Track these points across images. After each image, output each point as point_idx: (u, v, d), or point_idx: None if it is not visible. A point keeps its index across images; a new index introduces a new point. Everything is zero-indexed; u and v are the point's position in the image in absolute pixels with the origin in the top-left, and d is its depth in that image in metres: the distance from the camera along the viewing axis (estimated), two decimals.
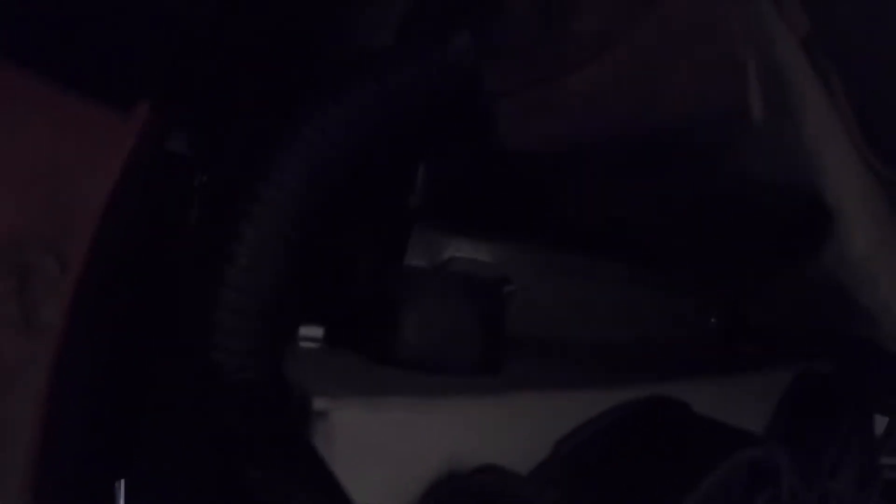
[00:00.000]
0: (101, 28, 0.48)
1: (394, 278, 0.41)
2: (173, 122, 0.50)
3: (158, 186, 0.49)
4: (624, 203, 0.32)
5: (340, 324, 0.43)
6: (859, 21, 0.36)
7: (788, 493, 0.40)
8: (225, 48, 0.53)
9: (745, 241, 0.30)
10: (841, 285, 0.29)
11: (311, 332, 0.41)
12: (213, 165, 0.54)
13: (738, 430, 0.41)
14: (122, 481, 0.53)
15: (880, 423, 0.68)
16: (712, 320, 0.65)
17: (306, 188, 0.38)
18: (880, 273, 0.31)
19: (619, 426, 0.40)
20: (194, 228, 0.52)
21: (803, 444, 0.52)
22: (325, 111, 0.40)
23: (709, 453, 0.38)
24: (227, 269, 0.35)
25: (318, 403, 0.31)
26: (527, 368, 0.44)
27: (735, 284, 0.40)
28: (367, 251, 0.48)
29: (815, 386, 0.59)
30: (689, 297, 0.63)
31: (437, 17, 0.42)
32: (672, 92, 0.22)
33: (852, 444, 0.58)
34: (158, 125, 0.40)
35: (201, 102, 0.53)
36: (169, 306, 0.49)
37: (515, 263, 0.54)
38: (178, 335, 0.47)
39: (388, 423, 0.32)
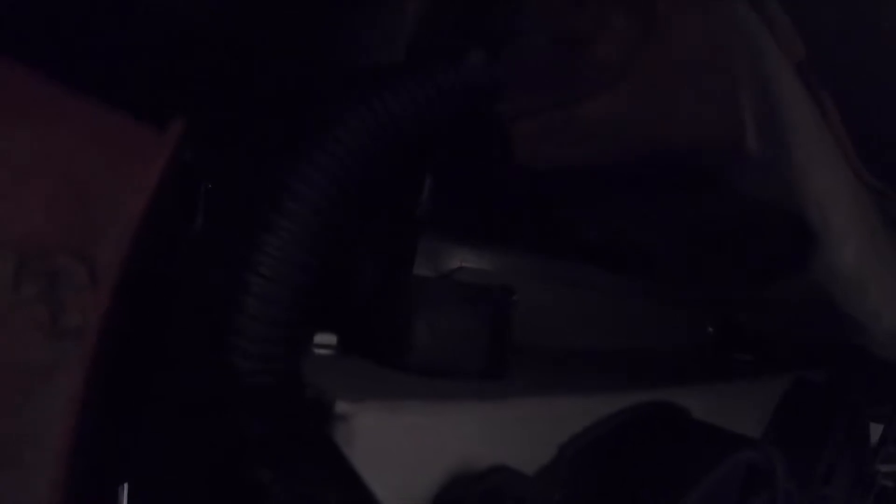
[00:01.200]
0: (115, 36, 0.49)
1: (404, 287, 0.43)
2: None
3: (169, 194, 0.50)
4: (627, 219, 0.34)
5: (353, 331, 0.45)
6: (855, 42, 0.38)
7: (784, 495, 0.41)
8: (232, 57, 0.55)
9: (738, 255, 0.31)
10: (830, 296, 0.31)
11: (325, 340, 0.43)
12: (220, 174, 0.55)
13: (735, 434, 0.42)
14: (126, 484, 0.54)
15: (876, 431, 0.69)
16: (709, 329, 0.66)
17: (326, 199, 0.40)
18: (869, 283, 0.33)
19: (621, 430, 0.41)
20: (201, 235, 0.54)
21: (798, 451, 0.54)
22: (344, 124, 0.42)
23: (707, 456, 0.39)
24: (249, 277, 0.37)
25: (340, 407, 0.32)
26: (532, 374, 0.46)
27: (730, 294, 0.41)
28: (375, 261, 0.50)
29: (811, 394, 0.61)
30: (687, 306, 0.65)
31: (451, 34, 0.44)
32: (679, 121, 0.24)
33: (847, 451, 0.59)
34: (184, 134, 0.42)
35: (207, 110, 0.55)
36: (175, 312, 0.50)
37: (520, 273, 0.56)
38: (190, 340, 0.48)
39: (405, 425, 0.34)
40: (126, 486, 0.54)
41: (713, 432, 0.43)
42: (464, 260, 0.53)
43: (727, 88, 0.23)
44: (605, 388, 0.45)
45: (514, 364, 0.46)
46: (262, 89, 0.57)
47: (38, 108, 0.37)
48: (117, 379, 0.48)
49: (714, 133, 0.23)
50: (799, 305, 0.35)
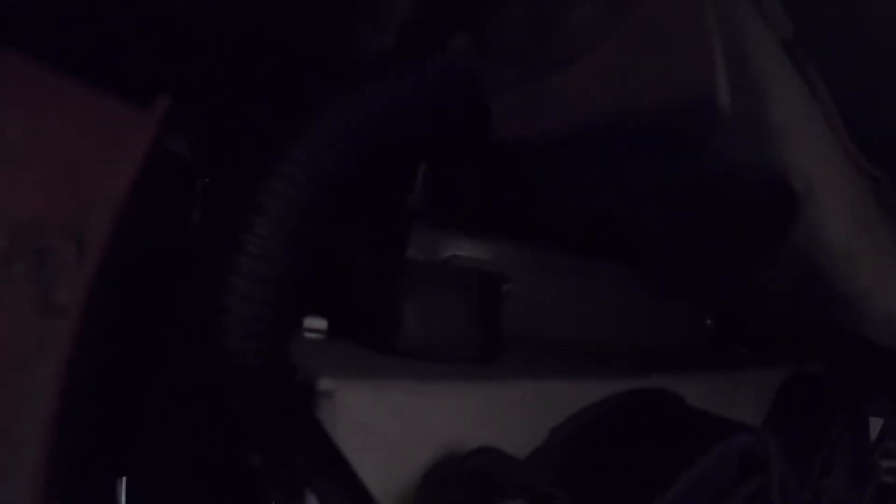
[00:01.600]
0: (116, 36, 0.50)
1: (394, 271, 0.43)
2: (177, 124, 0.52)
3: (162, 185, 0.51)
4: (610, 195, 0.34)
5: (344, 317, 0.44)
6: (852, 30, 0.38)
7: (778, 482, 0.41)
8: (228, 52, 0.55)
9: (719, 224, 0.31)
10: (820, 271, 0.31)
11: (315, 324, 0.43)
12: (216, 168, 0.56)
13: (729, 420, 0.42)
14: (124, 478, 0.54)
15: (875, 426, 0.68)
16: (707, 322, 0.66)
17: (314, 183, 0.40)
18: (860, 261, 0.33)
19: (613, 414, 0.41)
20: (198, 229, 0.54)
21: (796, 442, 0.53)
22: (333, 111, 0.42)
23: (700, 440, 0.39)
24: (237, 257, 0.37)
25: (324, 384, 0.32)
26: (525, 361, 0.45)
27: (721, 275, 0.41)
28: (367, 248, 0.49)
29: (810, 385, 0.60)
30: (684, 298, 0.64)
31: (437, 19, 0.44)
32: (649, 85, 0.24)
33: (845, 444, 0.59)
34: (171, 121, 0.42)
35: (204, 106, 0.55)
36: (172, 302, 0.50)
37: (514, 263, 0.55)
38: (183, 329, 0.48)
39: (390, 405, 0.34)
40: (124, 479, 0.54)
41: (706, 418, 0.43)
42: (457, 249, 0.52)
43: (699, 51, 0.23)
44: (598, 374, 0.44)
45: (507, 352, 0.46)
46: (259, 85, 0.57)
47: (29, 91, 0.38)
48: (112, 368, 0.48)
49: (685, 91, 0.23)
50: (793, 285, 0.34)
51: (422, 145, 0.54)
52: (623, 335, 0.61)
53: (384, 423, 0.33)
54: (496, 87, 0.32)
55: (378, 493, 0.33)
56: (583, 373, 0.44)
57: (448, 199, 0.56)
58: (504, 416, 0.38)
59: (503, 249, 0.55)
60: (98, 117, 0.37)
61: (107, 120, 0.37)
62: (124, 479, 0.54)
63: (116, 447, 0.52)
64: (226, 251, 0.37)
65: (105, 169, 0.36)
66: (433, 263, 0.46)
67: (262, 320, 0.38)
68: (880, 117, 0.42)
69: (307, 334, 0.42)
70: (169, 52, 0.53)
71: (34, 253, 0.36)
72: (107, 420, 0.49)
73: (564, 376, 0.42)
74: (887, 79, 0.43)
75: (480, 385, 0.37)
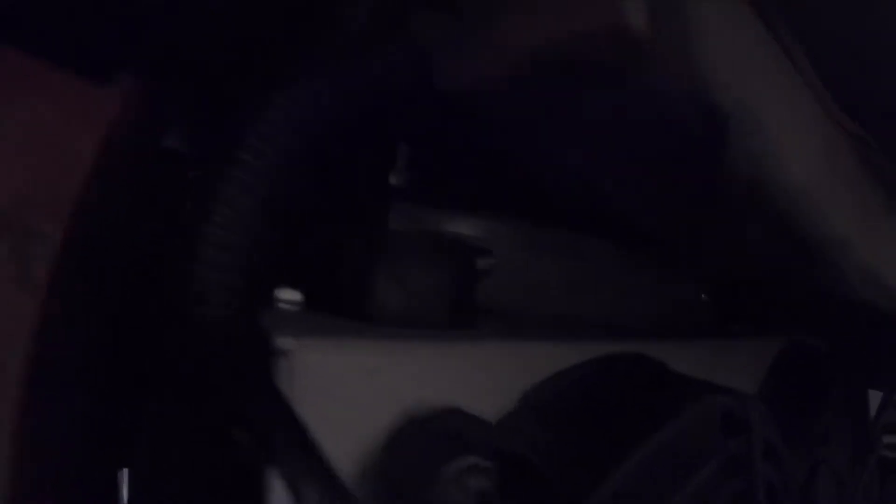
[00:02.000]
0: (99, 16, 0.51)
1: (371, 241, 0.43)
2: (170, 118, 0.52)
3: (154, 181, 0.51)
4: (565, 147, 0.34)
5: (320, 290, 0.45)
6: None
7: (762, 446, 0.40)
8: (220, 41, 0.56)
9: (673, 163, 0.31)
10: (785, 213, 0.30)
11: (287, 295, 0.43)
12: (202, 156, 0.56)
13: (712, 384, 0.41)
14: (126, 471, 0.54)
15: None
16: (703, 297, 0.65)
17: (280, 154, 0.40)
18: (826, 204, 0.32)
19: (590, 378, 0.40)
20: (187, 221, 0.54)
21: (793, 410, 0.52)
22: (298, 87, 0.43)
23: (679, 404, 0.38)
24: (204, 226, 0.37)
25: (281, 342, 0.31)
26: (503, 327, 0.45)
27: (694, 229, 0.40)
28: (348, 225, 0.50)
29: (807, 354, 0.59)
30: (678, 273, 0.63)
31: None
32: (570, 21, 0.25)
33: (844, 414, 0.57)
34: (150, 103, 0.43)
35: (196, 98, 0.56)
36: (161, 296, 0.51)
37: (501, 239, 0.55)
38: (168, 309, 0.48)
39: (352, 365, 0.33)
40: (126, 471, 0.55)
41: (689, 382, 0.42)
42: (440, 225, 0.52)
43: None
44: (576, 338, 0.44)
45: (485, 321, 0.45)
46: (246, 69, 0.58)
47: (7, 78, 0.39)
48: (112, 363, 0.49)
49: (602, 22, 0.24)
50: (764, 233, 0.34)
51: (401, 123, 0.54)
52: (614, 310, 0.60)
53: (346, 385, 0.33)
54: (436, 41, 0.33)
55: (339, 459, 0.32)
56: (560, 336, 0.43)
57: (433, 174, 0.56)
58: (476, 377, 0.37)
59: (490, 225, 0.55)
60: (63, 96, 0.37)
61: (71, 98, 0.37)
62: (126, 471, 0.54)
63: (116, 442, 0.52)
64: (194, 220, 0.38)
65: (71, 146, 0.37)
66: (408, 234, 0.46)
67: (233, 290, 0.38)
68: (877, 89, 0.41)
69: (280, 305, 0.42)
70: (161, 46, 0.53)
71: (16, 233, 0.36)
72: (106, 414, 0.50)
73: (540, 339, 0.42)
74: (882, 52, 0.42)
75: (450, 345, 0.37)
